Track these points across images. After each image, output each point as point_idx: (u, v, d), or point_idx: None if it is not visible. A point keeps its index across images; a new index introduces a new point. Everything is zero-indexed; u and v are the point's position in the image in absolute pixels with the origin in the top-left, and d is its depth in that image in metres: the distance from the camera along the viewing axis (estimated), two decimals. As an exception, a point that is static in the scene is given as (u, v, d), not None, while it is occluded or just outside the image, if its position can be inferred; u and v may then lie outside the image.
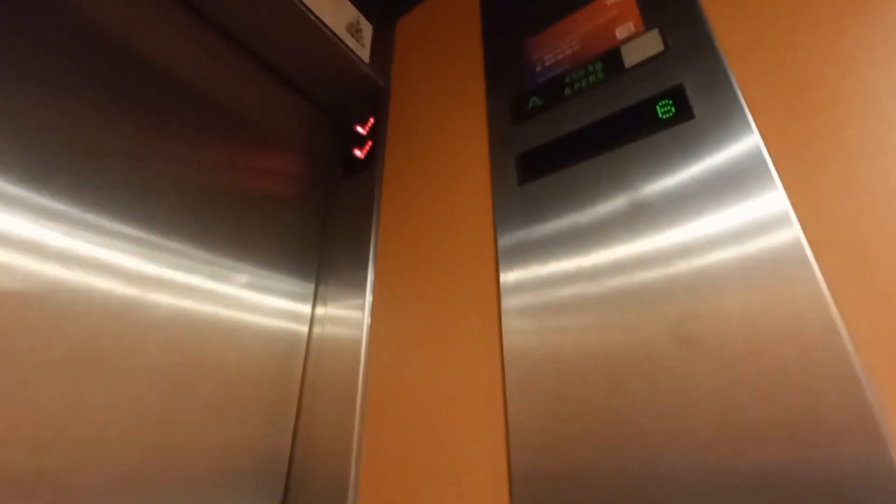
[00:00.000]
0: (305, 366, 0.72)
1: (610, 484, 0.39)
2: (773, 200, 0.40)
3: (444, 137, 0.75)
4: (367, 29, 0.89)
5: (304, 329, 0.75)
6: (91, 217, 0.52)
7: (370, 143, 0.86)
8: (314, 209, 0.85)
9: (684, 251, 0.43)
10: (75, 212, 0.51)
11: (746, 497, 0.34)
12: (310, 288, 0.78)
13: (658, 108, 0.50)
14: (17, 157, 0.48)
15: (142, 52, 0.64)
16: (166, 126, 0.64)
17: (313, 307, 0.77)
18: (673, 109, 0.49)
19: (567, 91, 0.60)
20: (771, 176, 0.41)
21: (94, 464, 0.47)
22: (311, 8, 0.75)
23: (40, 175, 0.49)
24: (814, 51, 0.45)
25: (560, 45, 0.64)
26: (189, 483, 0.54)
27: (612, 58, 0.57)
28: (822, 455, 0.32)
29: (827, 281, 0.36)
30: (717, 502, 0.35)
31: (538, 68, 0.65)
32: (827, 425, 0.33)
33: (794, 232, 0.38)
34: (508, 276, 0.54)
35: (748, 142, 0.44)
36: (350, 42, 0.83)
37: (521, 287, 0.53)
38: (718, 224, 0.42)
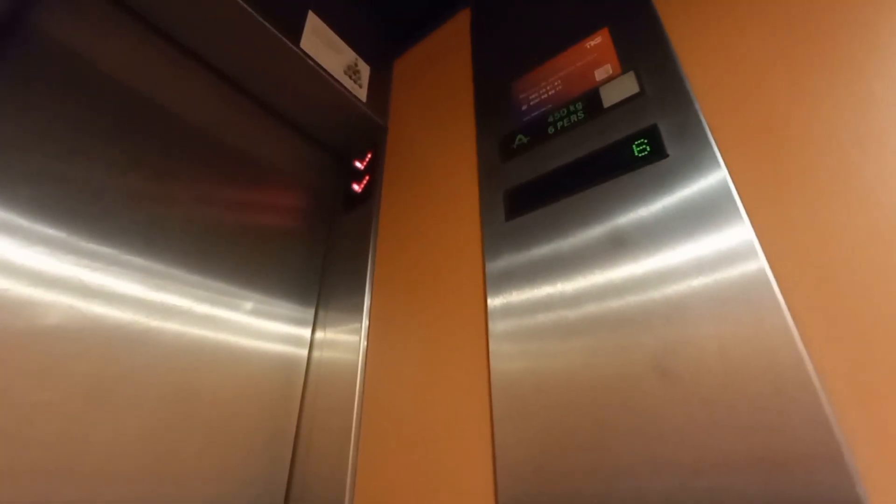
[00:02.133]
0: (304, 392, 0.73)
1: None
2: (739, 233, 0.42)
3: (436, 172, 0.78)
4: (364, 70, 0.94)
5: (304, 353, 0.77)
6: (104, 251, 0.56)
7: (367, 177, 0.90)
8: (316, 240, 0.88)
9: (660, 280, 0.45)
10: (91, 247, 0.54)
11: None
12: (310, 313, 0.81)
13: (634, 147, 0.53)
14: (37, 203, 0.52)
15: (152, 102, 0.68)
16: (175, 169, 0.68)
17: (313, 331, 0.79)
18: (648, 148, 0.52)
19: (551, 129, 0.63)
20: (738, 209, 0.43)
21: (97, 498, 0.48)
22: (311, 53, 0.80)
23: (55, 218, 0.53)
24: (779, 93, 0.47)
25: (544, 86, 0.68)
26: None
27: (591, 98, 0.61)
28: (792, 488, 0.33)
29: (793, 314, 0.38)
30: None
31: (524, 107, 0.69)
32: (797, 459, 0.33)
33: (759, 263, 0.40)
34: (495, 301, 0.56)
35: (716, 177, 0.46)
36: (348, 83, 0.87)
37: (507, 311, 0.54)
38: (690, 255, 0.44)
